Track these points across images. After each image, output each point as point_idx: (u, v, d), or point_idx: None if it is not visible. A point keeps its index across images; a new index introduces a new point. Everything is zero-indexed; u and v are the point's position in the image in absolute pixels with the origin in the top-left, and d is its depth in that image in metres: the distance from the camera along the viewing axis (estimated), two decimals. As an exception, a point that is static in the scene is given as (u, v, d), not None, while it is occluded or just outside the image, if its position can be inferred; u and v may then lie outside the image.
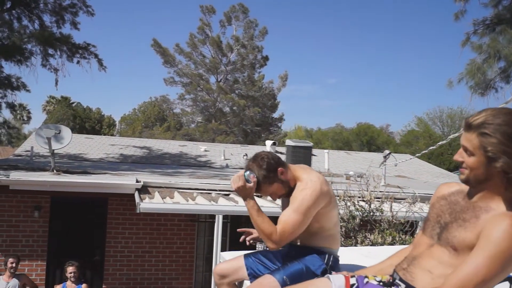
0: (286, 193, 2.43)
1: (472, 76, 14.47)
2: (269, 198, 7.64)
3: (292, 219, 2.26)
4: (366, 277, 1.86)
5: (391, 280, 1.79)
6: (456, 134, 4.36)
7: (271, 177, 2.36)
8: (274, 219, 2.28)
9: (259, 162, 2.37)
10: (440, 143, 4.85)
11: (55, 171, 7.94)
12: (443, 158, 29.57)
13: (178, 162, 12.85)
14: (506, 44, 13.85)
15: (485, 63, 14.30)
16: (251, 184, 2.30)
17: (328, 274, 1.97)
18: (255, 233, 2.63)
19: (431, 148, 4.56)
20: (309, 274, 2.31)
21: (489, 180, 1.59)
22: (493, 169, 1.55)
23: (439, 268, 1.61)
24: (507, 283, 1.99)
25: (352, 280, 1.84)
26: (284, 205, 2.52)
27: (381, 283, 1.80)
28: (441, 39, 73.32)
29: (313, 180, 2.35)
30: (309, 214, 2.30)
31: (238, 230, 2.45)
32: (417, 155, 12.13)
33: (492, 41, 13.85)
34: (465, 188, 1.71)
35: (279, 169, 2.37)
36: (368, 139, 41.27)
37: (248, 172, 2.33)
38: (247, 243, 2.46)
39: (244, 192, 2.30)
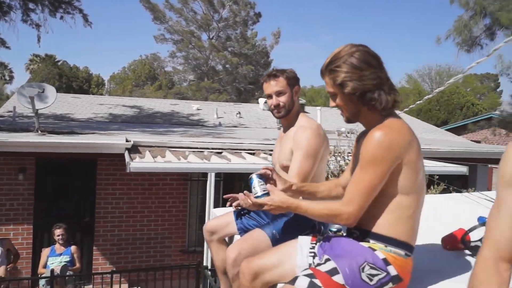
0: (283, 112, 2.46)
1: (459, 33, 14.76)
2: (262, 155, 7.46)
3: (305, 166, 2.27)
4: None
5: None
6: (442, 88, 4.37)
7: (290, 84, 2.45)
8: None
9: (290, 69, 2.49)
10: (426, 97, 4.93)
11: (39, 132, 7.64)
12: (431, 114, 30.04)
13: (170, 121, 12.56)
14: (492, 1, 13.73)
15: (471, 19, 14.38)
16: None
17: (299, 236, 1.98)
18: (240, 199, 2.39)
19: (418, 102, 4.65)
20: (298, 228, 2.21)
21: (361, 111, 1.74)
22: (350, 97, 1.69)
23: None
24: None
25: (319, 237, 1.94)
26: (278, 148, 2.54)
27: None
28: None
29: (311, 123, 2.44)
30: (318, 155, 2.33)
31: (224, 196, 2.31)
32: (405, 110, 11.87)
33: (479, -3, 13.83)
34: None
35: (297, 86, 2.50)
36: (361, 96, 40.98)
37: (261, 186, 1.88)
38: (234, 208, 2.29)
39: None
